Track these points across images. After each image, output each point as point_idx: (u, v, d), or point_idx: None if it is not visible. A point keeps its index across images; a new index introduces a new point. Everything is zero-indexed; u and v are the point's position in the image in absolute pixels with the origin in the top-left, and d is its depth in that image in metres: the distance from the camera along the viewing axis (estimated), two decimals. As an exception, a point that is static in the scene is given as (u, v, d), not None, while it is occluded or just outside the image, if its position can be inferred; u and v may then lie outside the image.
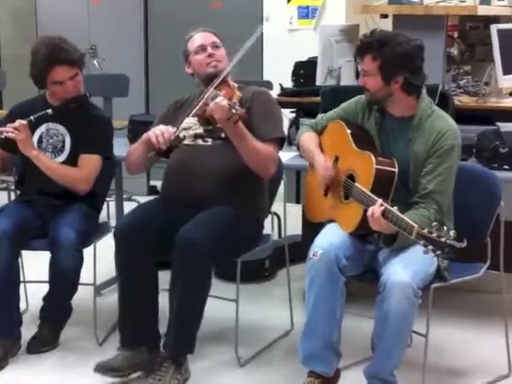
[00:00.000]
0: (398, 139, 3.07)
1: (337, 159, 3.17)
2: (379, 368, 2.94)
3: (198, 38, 3.45)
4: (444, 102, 3.99)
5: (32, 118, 3.47)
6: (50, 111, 3.51)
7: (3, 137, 3.43)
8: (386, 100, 3.05)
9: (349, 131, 3.15)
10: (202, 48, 3.41)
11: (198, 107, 3.20)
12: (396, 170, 2.95)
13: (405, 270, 2.80)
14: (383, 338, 2.86)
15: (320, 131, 3.33)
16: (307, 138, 3.32)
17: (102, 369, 3.17)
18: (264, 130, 3.30)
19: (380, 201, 2.79)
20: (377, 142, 3.11)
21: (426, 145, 2.99)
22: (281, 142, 3.39)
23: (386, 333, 2.83)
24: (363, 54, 3.01)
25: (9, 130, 3.41)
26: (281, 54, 6.25)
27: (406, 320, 2.82)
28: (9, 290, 3.40)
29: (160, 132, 3.20)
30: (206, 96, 3.19)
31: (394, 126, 3.09)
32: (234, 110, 2.99)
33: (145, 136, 3.31)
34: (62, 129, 3.60)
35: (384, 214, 2.76)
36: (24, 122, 3.44)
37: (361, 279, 3.11)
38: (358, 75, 3.24)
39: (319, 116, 3.41)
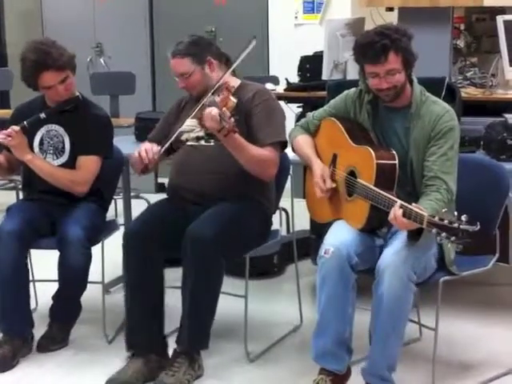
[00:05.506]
0: (396, 129, 3.06)
1: (335, 157, 3.16)
2: (375, 361, 2.91)
3: (170, 65, 3.39)
4: (451, 94, 3.98)
5: (25, 123, 3.46)
6: (42, 115, 3.50)
7: None
8: (402, 92, 3.01)
9: (343, 127, 3.14)
10: (176, 76, 3.38)
11: (195, 112, 3.19)
12: (396, 161, 2.93)
13: (397, 253, 2.82)
14: (378, 324, 2.85)
15: (313, 131, 3.32)
16: (301, 142, 3.29)
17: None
18: (263, 135, 3.28)
19: (399, 203, 2.74)
20: (372, 134, 3.10)
21: (425, 130, 2.98)
22: (281, 145, 3.35)
23: (381, 318, 2.82)
24: (387, 52, 2.88)
25: (1, 137, 3.41)
26: (287, 48, 6.25)
27: (399, 303, 2.80)
28: (18, 288, 3.39)
29: (144, 149, 3.23)
30: (203, 101, 3.18)
31: (391, 117, 3.07)
32: (224, 123, 2.98)
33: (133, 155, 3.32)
34: (60, 130, 3.59)
35: (405, 213, 2.72)
36: (17, 128, 3.44)
37: (369, 273, 3.10)
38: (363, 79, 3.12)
39: (309, 115, 3.37)
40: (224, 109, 3.01)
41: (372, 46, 2.90)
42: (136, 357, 3.24)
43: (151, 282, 3.23)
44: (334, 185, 3.11)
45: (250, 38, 3.27)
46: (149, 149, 3.24)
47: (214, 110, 3.01)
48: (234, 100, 3.11)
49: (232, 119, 2.99)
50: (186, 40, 3.37)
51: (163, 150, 3.25)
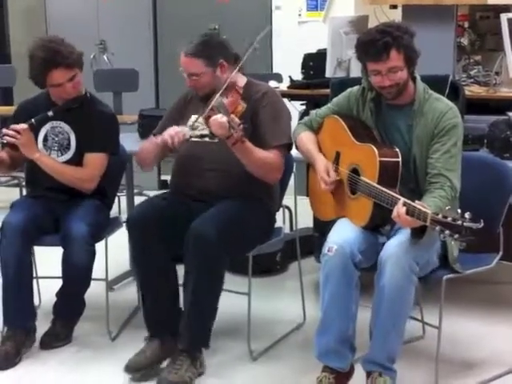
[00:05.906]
0: (399, 126, 3.06)
1: (338, 155, 3.16)
2: (375, 352, 2.91)
3: (181, 62, 3.34)
4: (454, 92, 3.98)
5: (33, 120, 3.46)
6: (50, 113, 3.50)
7: (5, 141, 3.42)
8: (404, 90, 3.02)
9: (346, 125, 3.14)
10: (185, 74, 3.34)
11: (204, 112, 3.17)
12: (399, 159, 2.94)
13: (399, 245, 2.83)
14: (378, 319, 2.85)
15: (316, 129, 3.31)
16: (304, 139, 3.29)
17: (133, 369, 3.20)
18: (270, 136, 3.27)
19: (402, 200, 2.74)
20: (375, 132, 3.10)
21: (428, 127, 2.99)
22: (288, 147, 3.35)
23: (382, 311, 2.83)
24: (389, 50, 2.89)
25: (10, 134, 3.41)
26: (290, 46, 6.24)
27: (401, 293, 2.80)
28: (21, 282, 3.39)
29: (174, 133, 3.19)
30: (212, 102, 3.15)
31: (393, 114, 3.07)
32: (232, 131, 2.97)
33: (161, 138, 3.26)
34: (66, 127, 3.59)
35: (408, 211, 2.71)
36: (25, 125, 3.43)
37: (372, 271, 3.10)
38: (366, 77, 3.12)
39: (312, 113, 3.37)
40: (232, 116, 3.00)
41: (374, 43, 2.91)
42: (152, 338, 3.28)
43: (157, 273, 3.24)
44: (338, 177, 3.10)
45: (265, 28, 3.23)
46: (179, 131, 3.16)
47: (222, 118, 2.99)
48: (243, 105, 3.11)
49: (241, 126, 2.98)
50: (200, 40, 3.30)
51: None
